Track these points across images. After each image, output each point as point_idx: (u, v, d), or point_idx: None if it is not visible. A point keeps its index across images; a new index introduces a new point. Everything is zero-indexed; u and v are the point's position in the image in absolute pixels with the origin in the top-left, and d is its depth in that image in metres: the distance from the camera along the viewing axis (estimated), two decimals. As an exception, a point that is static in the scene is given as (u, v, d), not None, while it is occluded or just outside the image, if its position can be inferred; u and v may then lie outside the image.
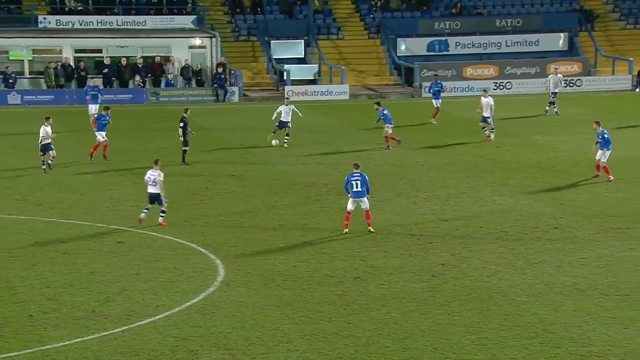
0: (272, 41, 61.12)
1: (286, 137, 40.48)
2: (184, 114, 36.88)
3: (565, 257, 24.75)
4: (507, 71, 59.29)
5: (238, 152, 40.10)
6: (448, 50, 61.68)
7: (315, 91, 56.87)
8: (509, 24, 62.79)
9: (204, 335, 19.41)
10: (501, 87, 56.61)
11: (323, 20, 63.74)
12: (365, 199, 26.79)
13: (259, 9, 63.34)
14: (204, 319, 20.32)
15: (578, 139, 41.05)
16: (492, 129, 41.21)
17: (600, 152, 33.06)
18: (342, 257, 25.00)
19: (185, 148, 36.64)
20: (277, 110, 40.79)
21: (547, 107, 47.56)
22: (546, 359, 18.36)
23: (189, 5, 61.87)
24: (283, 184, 33.87)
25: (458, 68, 59.31)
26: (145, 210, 27.64)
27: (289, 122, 40.58)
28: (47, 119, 35.71)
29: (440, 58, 61.03)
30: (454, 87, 56.88)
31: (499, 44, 61.87)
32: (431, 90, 47.62)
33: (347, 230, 26.85)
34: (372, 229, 26.90)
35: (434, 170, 36.08)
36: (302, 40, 61.34)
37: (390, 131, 39.37)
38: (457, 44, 61.75)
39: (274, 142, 40.39)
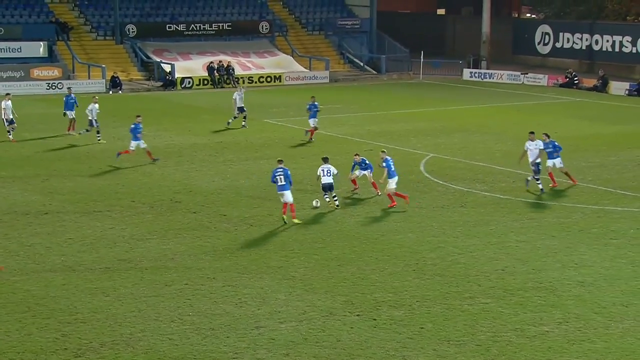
0: None
1: (244, 119, 42.93)
2: None
3: (55, 238, 24.51)
4: None
5: None
6: None
7: None
8: (-10, 34, 60.84)
9: None
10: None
11: None
12: (288, 192, 25.70)
13: None
14: None
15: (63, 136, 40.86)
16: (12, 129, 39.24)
17: (552, 160, 30.64)
18: None
19: None
20: (233, 97, 42.90)
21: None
22: (37, 329, 18.11)
23: None
24: None
25: (-54, 71, 56.39)
26: None
27: (243, 106, 42.69)
28: None
29: None
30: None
31: (-18, 52, 59.62)
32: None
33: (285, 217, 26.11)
34: (296, 220, 26.09)
35: None
36: None
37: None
38: (-57, 48, 58.52)
39: (230, 123, 42.66)
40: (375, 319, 18.85)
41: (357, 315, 19.11)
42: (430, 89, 63.20)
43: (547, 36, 76.04)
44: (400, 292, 20.44)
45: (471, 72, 69.01)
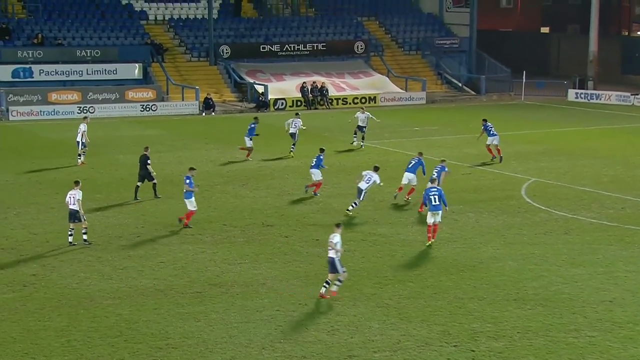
0: None
1: (362, 140, 44.95)
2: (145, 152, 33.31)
3: (147, 262, 25.00)
4: (89, 97, 58.86)
5: None
6: (32, 77, 59.92)
7: None
8: (88, 54, 62.39)
9: None
10: (84, 111, 56.03)
11: None
12: (440, 212, 26.42)
13: None
14: None
15: (155, 157, 41.58)
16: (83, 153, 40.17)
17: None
18: None
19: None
20: (355, 115, 45.18)
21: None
22: (129, 354, 18.45)
23: None
24: None
25: (43, 93, 58.02)
26: None
27: (365, 126, 44.67)
28: None
29: (26, 84, 59.24)
30: (40, 111, 56.08)
31: (80, 72, 61.10)
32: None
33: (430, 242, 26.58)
34: (430, 243, 26.53)
35: (24, 188, 34.79)
36: None
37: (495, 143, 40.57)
38: (41, 71, 60.13)
39: (355, 143, 45.01)
40: (473, 350, 18.60)
41: (454, 345, 18.88)
42: (532, 110, 62.29)
43: (659, 55, 74.22)
44: (500, 323, 20.11)
45: (577, 93, 67.77)
